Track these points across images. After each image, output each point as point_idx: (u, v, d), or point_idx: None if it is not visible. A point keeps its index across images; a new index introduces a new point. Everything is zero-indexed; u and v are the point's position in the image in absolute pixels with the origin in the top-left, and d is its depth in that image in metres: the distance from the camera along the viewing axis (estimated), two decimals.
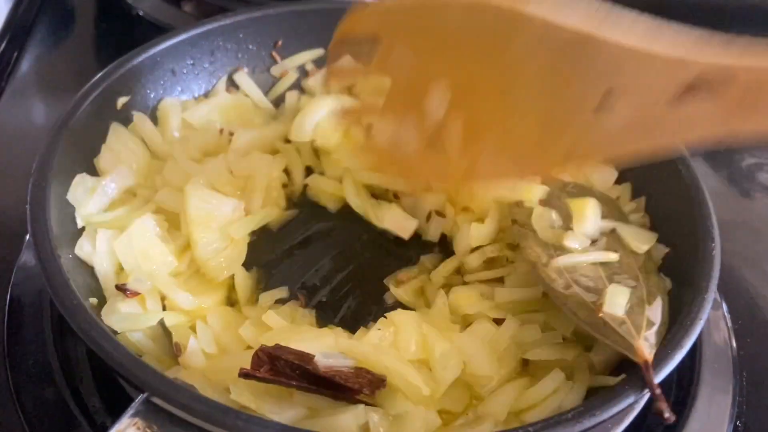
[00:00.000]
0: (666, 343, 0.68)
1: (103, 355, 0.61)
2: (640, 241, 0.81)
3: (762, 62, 0.54)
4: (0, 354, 0.80)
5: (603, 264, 0.77)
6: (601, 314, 0.70)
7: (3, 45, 1.27)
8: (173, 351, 0.73)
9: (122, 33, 1.36)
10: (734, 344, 0.91)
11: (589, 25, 0.61)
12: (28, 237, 0.88)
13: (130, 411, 0.58)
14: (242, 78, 1.04)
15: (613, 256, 0.77)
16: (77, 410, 0.75)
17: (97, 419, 0.74)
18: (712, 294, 0.72)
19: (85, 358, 0.79)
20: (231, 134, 0.96)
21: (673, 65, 0.57)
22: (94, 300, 0.74)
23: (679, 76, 0.57)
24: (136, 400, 0.58)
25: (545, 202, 0.84)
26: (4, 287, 0.86)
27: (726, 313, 0.94)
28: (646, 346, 0.68)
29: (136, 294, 0.74)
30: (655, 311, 0.72)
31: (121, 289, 0.74)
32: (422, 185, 0.91)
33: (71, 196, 0.79)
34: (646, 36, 0.59)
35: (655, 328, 0.70)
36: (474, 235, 0.86)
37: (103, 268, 0.77)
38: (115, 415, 0.60)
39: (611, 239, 0.81)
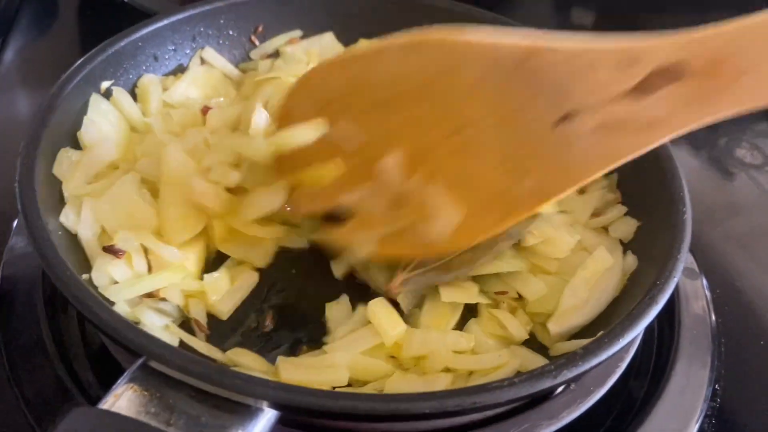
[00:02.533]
0: (642, 301, 0.70)
1: (98, 323, 0.61)
2: None
3: (703, 53, 0.53)
4: None
5: None
6: None
7: None
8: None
9: (107, 20, 1.36)
10: (713, 314, 0.93)
11: (532, 40, 0.60)
12: (16, 221, 0.90)
13: (126, 377, 0.59)
14: (209, 53, 1.04)
15: None
16: (72, 385, 0.75)
17: (92, 393, 0.75)
18: (684, 255, 0.75)
19: (78, 334, 0.80)
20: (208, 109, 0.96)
21: (621, 56, 0.56)
22: (86, 276, 0.75)
23: (629, 68, 0.56)
24: (133, 365, 0.59)
25: None
26: None
27: (704, 284, 0.96)
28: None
29: (123, 252, 0.74)
30: None
31: (109, 250, 0.74)
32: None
33: (57, 170, 0.80)
34: (589, 41, 0.58)
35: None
36: None
37: (87, 234, 0.78)
38: (109, 389, 0.60)
39: None
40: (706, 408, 0.83)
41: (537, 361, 0.75)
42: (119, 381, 0.59)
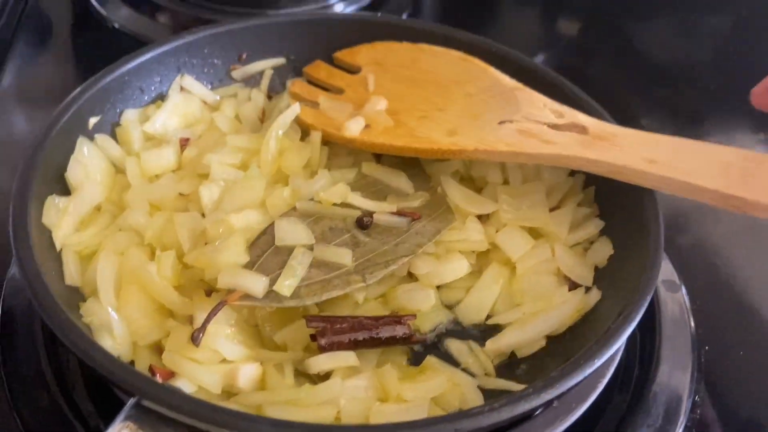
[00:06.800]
0: (615, 321, 0.73)
1: (92, 364, 0.63)
2: None
3: (603, 126, 0.89)
4: None
5: None
6: None
7: None
8: None
9: (99, 45, 1.39)
10: (692, 324, 0.95)
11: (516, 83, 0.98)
12: None
13: (122, 416, 0.61)
14: (188, 81, 1.06)
15: None
16: (72, 415, 0.78)
17: (91, 423, 0.77)
18: (656, 278, 0.77)
19: (76, 365, 0.82)
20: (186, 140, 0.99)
21: (559, 109, 0.93)
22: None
23: (560, 116, 0.91)
24: (127, 405, 0.61)
25: None
26: None
27: (684, 294, 0.99)
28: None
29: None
30: None
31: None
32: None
33: (46, 220, 0.82)
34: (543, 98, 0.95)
35: None
36: None
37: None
38: (109, 418, 0.62)
39: None
40: (686, 420, 0.85)
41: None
42: (115, 420, 0.61)
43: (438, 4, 1.73)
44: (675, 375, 0.88)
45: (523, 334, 0.83)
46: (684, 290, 0.99)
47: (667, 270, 1.01)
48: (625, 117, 1.34)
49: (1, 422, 0.78)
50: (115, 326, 0.75)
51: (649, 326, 0.93)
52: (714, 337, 0.95)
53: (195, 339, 0.72)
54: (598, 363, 0.68)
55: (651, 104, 1.42)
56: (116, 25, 1.41)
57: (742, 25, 1.72)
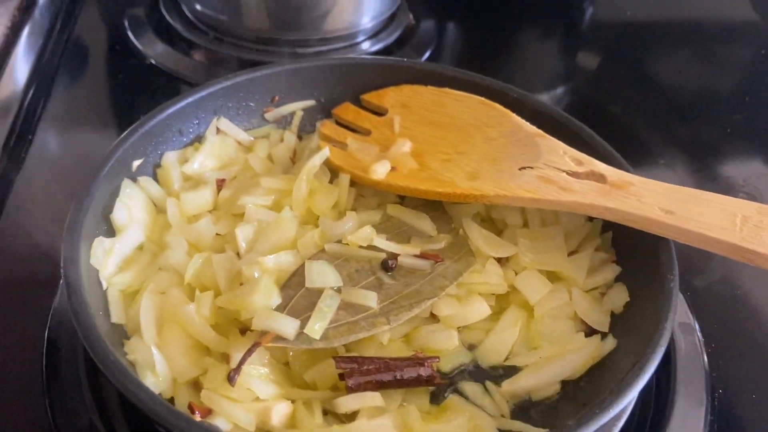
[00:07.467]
0: (631, 370, 0.76)
1: (140, 405, 0.68)
2: None
3: (621, 176, 0.92)
4: (40, 394, 0.87)
5: None
6: None
7: (30, 94, 1.37)
8: None
9: (137, 81, 1.45)
10: (707, 366, 0.98)
11: (536, 129, 1.01)
12: (61, 281, 0.96)
13: None
14: (224, 123, 1.11)
15: None
16: None
17: None
18: (671, 324, 0.80)
19: (116, 396, 0.86)
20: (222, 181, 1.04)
21: (578, 157, 0.96)
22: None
23: (579, 164, 0.95)
24: None
25: None
26: (41, 331, 0.93)
27: (699, 336, 1.01)
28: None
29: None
30: None
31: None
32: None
33: (93, 260, 0.86)
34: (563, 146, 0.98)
35: None
36: None
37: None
38: None
39: None
40: None
41: None
42: None
43: (459, 39, 1.77)
44: (690, 418, 0.91)
45: (539, 378, 0.87)
46: (698, 332, 1.02)
47: (681, 312, 1.04)
48: (642, 153, 1.39)
49: None
50: (158, 364, 0.80)
51: (665, 367, 0.95)
52: (728, 381, 0.98)
53: (231, 379, 0.77)
54: (613, 412, 0.72)
55: (669, 141, 1.44)
56: (153, 62, 1.47)
57: (761, 62, 1.75)
